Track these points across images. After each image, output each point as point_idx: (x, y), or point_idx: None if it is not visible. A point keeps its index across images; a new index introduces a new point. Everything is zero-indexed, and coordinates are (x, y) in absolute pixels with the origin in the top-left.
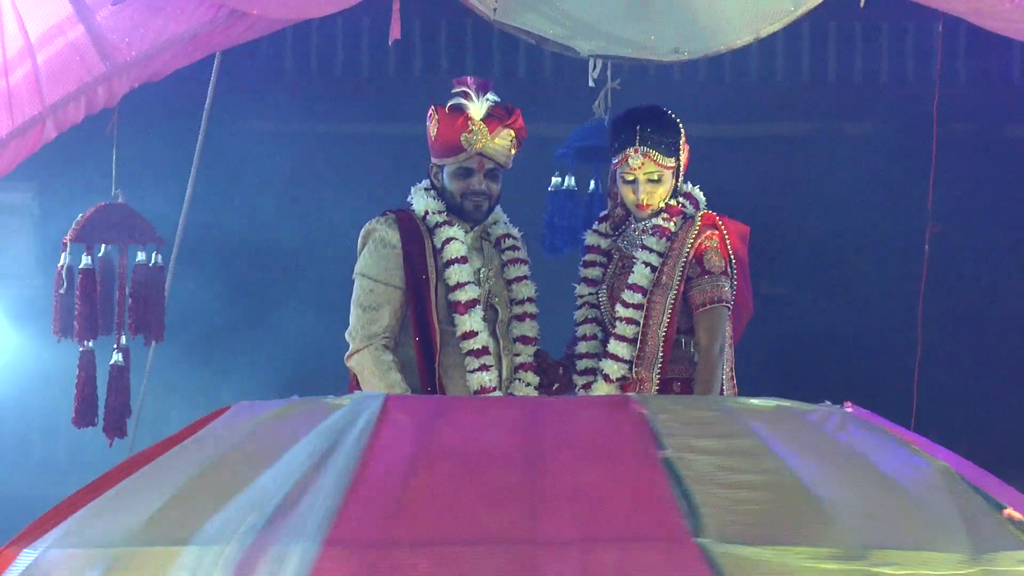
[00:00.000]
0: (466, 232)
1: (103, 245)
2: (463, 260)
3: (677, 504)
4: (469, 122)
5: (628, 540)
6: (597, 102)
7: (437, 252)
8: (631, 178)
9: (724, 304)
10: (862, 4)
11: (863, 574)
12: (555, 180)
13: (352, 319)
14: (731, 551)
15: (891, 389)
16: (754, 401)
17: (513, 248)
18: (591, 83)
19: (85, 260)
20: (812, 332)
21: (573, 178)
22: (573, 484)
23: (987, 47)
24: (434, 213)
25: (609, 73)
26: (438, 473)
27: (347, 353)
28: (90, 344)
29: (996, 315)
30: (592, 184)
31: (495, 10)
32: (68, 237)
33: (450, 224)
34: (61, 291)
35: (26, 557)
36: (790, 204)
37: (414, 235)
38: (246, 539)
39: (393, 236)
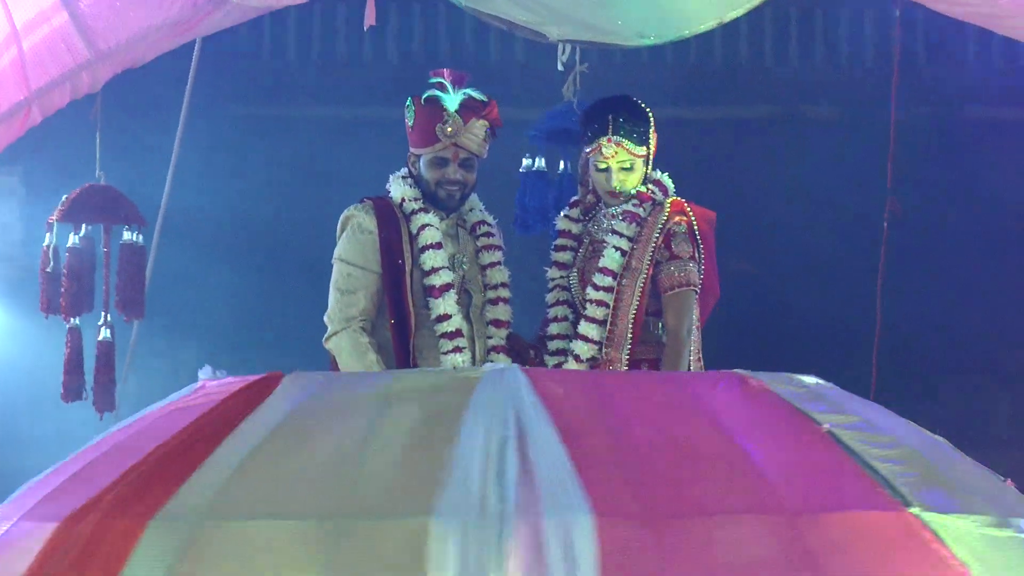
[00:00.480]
0: (441, 219)
1: (86, 225)
2: (438, 246)
3: (868, 475)
4: (444, 113)
5: (848, 509)
6: (566, 85)
7: (413, 238)
8: (604, 166)
9: (692, 288)
10: None
11: (1020, 541)
12: (526, 161)
13: (330, 302)
14: (934, 519)
15: (851, 364)
16: (802, 378)
17: (488, 235)
18: (560, 67)
19: (73, 239)
20: (775, 308)
21: (544, 159)
22: (770, 458)
23: (944, 32)
24: (410, 200)
25: (578, 57)
26: (645, 448)
27: (326, 335)
28: (76, 321)
29: (952, 291)
30: (562, 165)
31: None
32: (54, 217)
33: (426, 211)
34: (48, 270)
35: (166, 530)
36: (754, 184)
37: (391, 221)
38: (505, 511)
39: (370, 222)
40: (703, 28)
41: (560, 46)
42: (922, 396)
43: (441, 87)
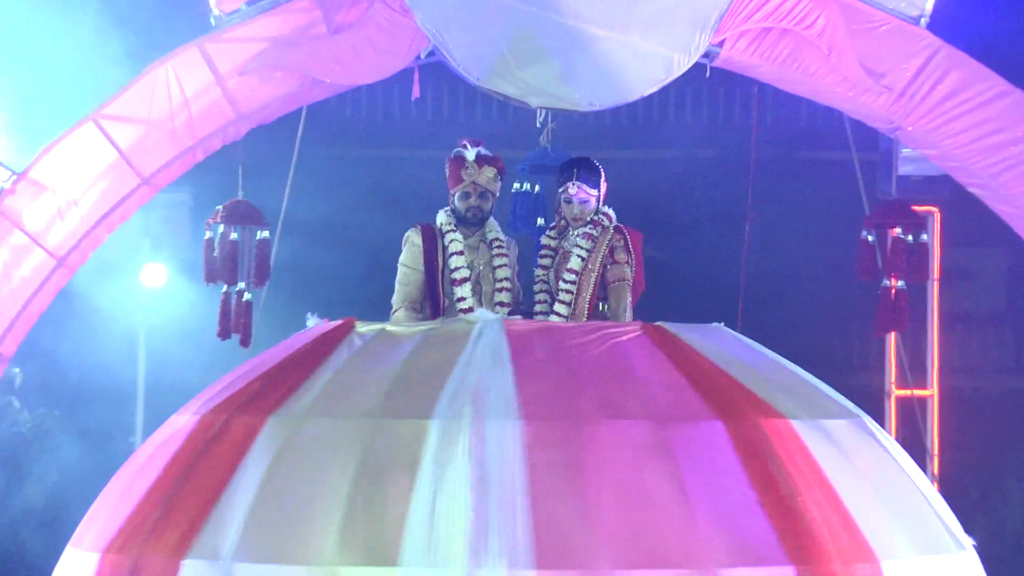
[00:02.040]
0: (467, 236)
1: (234, 225)
2: (460, 253)
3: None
4: (466, 162)
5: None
6: (542, 136)
7: (444, 248)
8: (569, 200)
9: (626, 282)
10: (707, 74)
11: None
12: (516, 186)
13: (395, 292)
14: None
15: (723, 317)
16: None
17: (500, 247)
18: (538, 124)
19: (232, 235)
20: (675, 284)
21: (527, 184)
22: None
23: (788, 99)
24: (446, 224)
25: (550, 117)
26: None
27: (391, 312)
28: (227, 288)
29: (791, 272)
30: (537, 188)
31: (478, 79)
32: (213, 220)
33: (455, 231)
34: (214, 254)
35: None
36: (661, 202)
37: (431, 238)
38: (467, 416)
39: (418, 239)
40: (631, 98)
41: (539, 110)
42: (773, 336)
43: (464, 147)
